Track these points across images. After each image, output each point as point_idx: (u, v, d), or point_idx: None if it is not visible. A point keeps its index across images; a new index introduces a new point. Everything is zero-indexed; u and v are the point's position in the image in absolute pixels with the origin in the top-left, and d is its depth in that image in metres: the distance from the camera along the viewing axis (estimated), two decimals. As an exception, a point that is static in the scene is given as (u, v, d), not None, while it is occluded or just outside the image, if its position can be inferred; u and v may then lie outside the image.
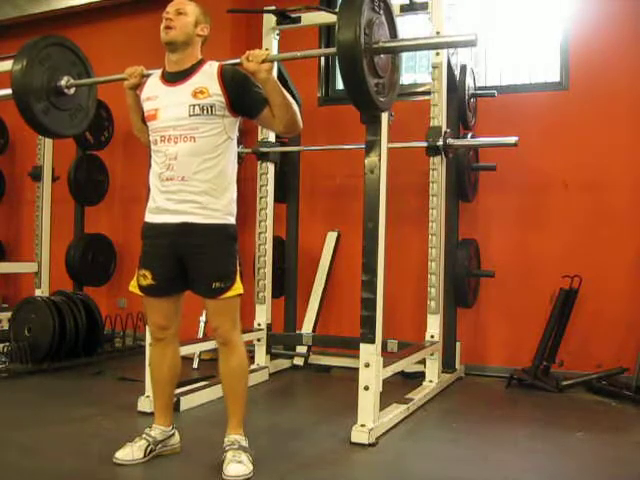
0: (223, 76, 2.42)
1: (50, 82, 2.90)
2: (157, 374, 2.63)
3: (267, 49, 4.22)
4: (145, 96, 2.55)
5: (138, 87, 2.61)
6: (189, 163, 2.41)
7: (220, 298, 2.44)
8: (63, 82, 2.94)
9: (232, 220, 2.51)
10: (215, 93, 2.40)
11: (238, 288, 2.47)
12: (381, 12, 2.46)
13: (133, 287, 2.58)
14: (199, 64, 2.49)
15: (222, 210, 2.46)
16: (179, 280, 2.51)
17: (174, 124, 2.43)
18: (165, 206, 2.45)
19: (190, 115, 2.40)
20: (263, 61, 2.36)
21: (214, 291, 2.43)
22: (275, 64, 4.19)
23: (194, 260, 2.45)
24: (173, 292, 2.55)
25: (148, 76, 2.60)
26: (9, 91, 2.89)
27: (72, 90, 2.98)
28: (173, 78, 2.49)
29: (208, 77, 2.43)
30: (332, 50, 2.21)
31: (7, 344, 4.18)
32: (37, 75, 2.86)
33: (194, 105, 2.40)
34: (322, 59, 5.11)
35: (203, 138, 2.41)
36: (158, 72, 2.58)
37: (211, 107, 2.40)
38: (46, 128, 2.96)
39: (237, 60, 2.46)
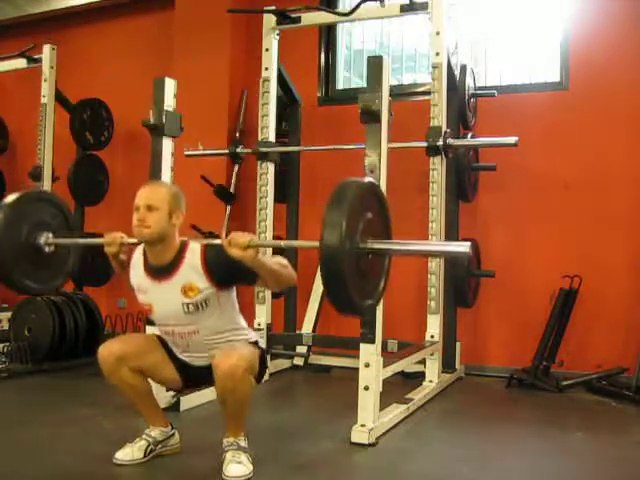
0: (208, 267, 2.34)
1: (29, 239, 2.70)
2: (127, 396, 2.53)
3: (267, 49, 4.24)
4: (135, 284, 2.50)
5: (119, 255, 2.52)
6: (202, 346, 2.45)
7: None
8: (42, 240, 2.74)
9: (257, 339, 2.57)
10: (205, 287, 2.35)
11: (254, 348, 2.48)
12: (373, 209, 2.21)
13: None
14: (180, 254, 2.39)
15: (244, 337, 2.51)
16: (187, 377, 2.55)
17: (173, 321, 2.43)
18: (188, 361, 2.52)
19: (186, 314, 2.38)
20: (247, 247, 2.17)
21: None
22: (275, 64, 4.25)
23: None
24: (176, 370, 2.53)
25: (130, 245, 2.51)
26: None
27: (52, 248, 2.78)
28: (157, 273, 2.41)
29: (193, 270, 2.35)
30: (316, 244, 1.99)
31: (7, 344, 4.18)
32: (15, 235, 2.66)
33: (187, 304, 2.37)
34: (322, 59, 5.12)
35: (207, 325, 2.42)
36: (141, 251, 2.48)
37: (205, 302, 2.37)
38: (28, 288, 2.78)
39: (218, 242, 2.31)
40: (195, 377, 2.56)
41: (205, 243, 2.42)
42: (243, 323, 2.56)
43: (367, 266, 2.16)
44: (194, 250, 2.38)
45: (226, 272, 2.33)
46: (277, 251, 4.53)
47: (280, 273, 2.32)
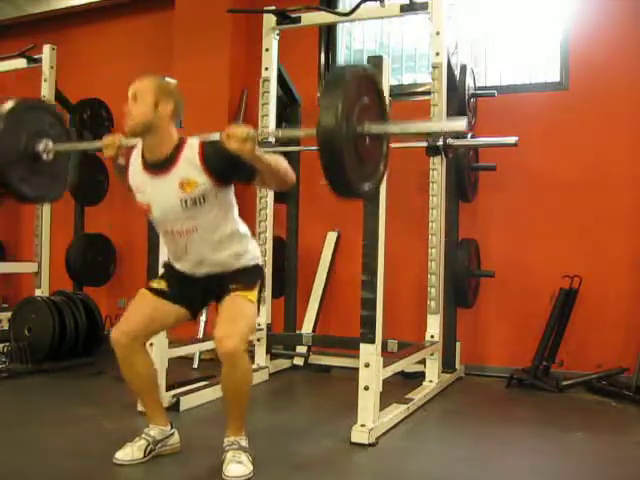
0: (206, 161, 2.33)
1: (27, 147, 2.69)
2: (135, 386, 2.57)
3: (267, 49, 4.24)
4: (133, 183, 2.50)
5: (117, 157, 2.51)
6: (201, 248, 2.43)
7: (234, 294, 2.41)
8: (41, 147, 2.72)
9: (258, 261, 2.55)
10: (203, 182, 2.34)
11: (252, 295, 2.44)
12: (369, 93, 2.22)
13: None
14: (178, 148, 2.37)
15: (245, 259, 2.50)
16: (189, 304, 2.54)
17: (171, 218, 2.41)
18: (187, 269, 2.51)
19: (184, 210, 2.37)
20: (245, 140, 2.17)
21: (229, 290, 2.43)
22: (275, 64, 4.25)
23: (217, 287, 2.46)
24: (178, 304, 2.53)
25: (128, 148, 2.51)
26: None
27: (51, 155, 2.76)
28: (155, 168, 2.40)
29: (191, 165, 2.34)
30: (312, 132, 2.05)
31: (7, 344, 4.18)
32: (13, 141, 2.65)
33: (185, 199, 2.35)
34: (322, 59, 5.11)
35: (205, 222, 2.40)
36: (139, 150, 2.47)
37: (203, 197, 2.35)
38: (25, 195, 2.75)
39: (217, 138, 2.28)
40: (196, 298, 2.54)
41: (203, 138, 2.40)
42: (245, 230, 2.53)
43: (365, 150, 2.18)
44: (192, 145, 2.37)
45: (224, 166, 2.32)
46: (279, 249, 4.55)
47: (278, 169, 2.31)
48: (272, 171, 2.30)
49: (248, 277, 2.49)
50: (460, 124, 2.26)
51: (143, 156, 2.45)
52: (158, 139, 2.38)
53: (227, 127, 2.20)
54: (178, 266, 2.55)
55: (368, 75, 2.25)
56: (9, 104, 2.67)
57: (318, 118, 1.99)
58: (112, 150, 2.47)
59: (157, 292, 2.53)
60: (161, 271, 2.69)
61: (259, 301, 2.51)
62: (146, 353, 2.55)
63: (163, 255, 2.80)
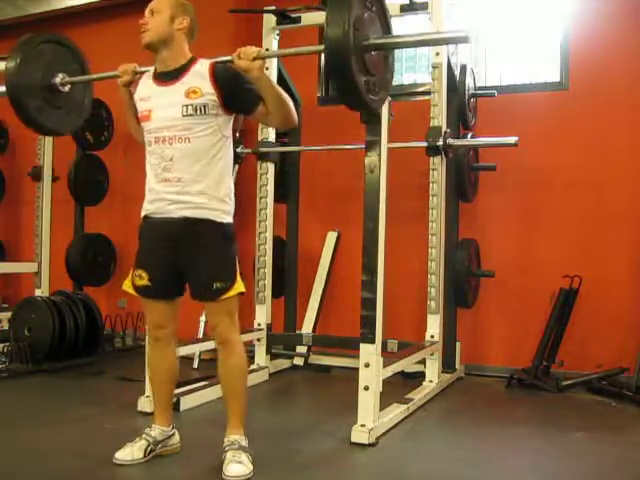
0: (215, 74, 2.41)
1: (45, 79, 2.87)
2: (156, 374, 2.63)
3: (267, 49, 4.24)
4: (138, 96, 2.54)
5: (131, 84, 2.59)
6: (185, 164, 2.41)
7: (221, 299, 2.42)
8: (58, 79, 2.90)
9: (229, 219, 2.50)
10: (208, 92, 2.39)
11: (239, 287, 2.46)
12: (373, 8, 2.34)
13: (127, 287, 2.60)
14: (190, 63, 2.48)
15: (220, 209, 2.46)
16: (175, 285, 2.53)
17: (168, 124, 2.42)
18: (162, 206, 2.45)
19: (183, 115, 2.39)
20: (254, 58, 2.35)
21: (215, 292, 2.42)
22: (275, 64, 4.25)
23: (193, 262, 2.44)
24: (168, 296, 2.54)
25: (141, 73, 2.58)
26: (3, 88, 2.84)
27: (67, 87, 2.94)
28: (164, 78, 2.47)
29: (200, 76, 2.42)
30: (320, 47, 2.11)
31: (7, 344, 4.18)
32: (31, 72, 2.83)
33: (187, 105, 2.39)
34: (322, 59, 5.11)
35: (198, 138, 2.40)
36: (151, 70, 2.56)
37: (204, 107, 2.39)
38: (41, 125, 2.93)
39: (228, 58, 2.45)
40: (175, 280, 2.50)
41: (215, 59, 2.50)
42: (230, 185, 2.51)
43: (372, 62, 2.25)
44: (203, 62, 2.47)
45: (232, 85, 2.40)
46: (279, 249, 4.55)
47: (284, 97, 2.39)
48: (277, 98, 2.38)
49: (226, 260, 2.45)
50: (462, 33, 2.29)
51: (155, 71, 2.52)
52: (172, 52, 2.47)
53: (239, 49, 2.37)
54: (153, 206, 2.47)
55: None
56: (25, 37, 2.81)
57: (325, 32, 2.08)
58: (128, 76, 2.57)
59: (146, 293, 2.54)
60: (138, 234, 2.61)
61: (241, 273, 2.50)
62: (175, 350, 2.63)
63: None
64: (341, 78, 2.14)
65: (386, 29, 2.43)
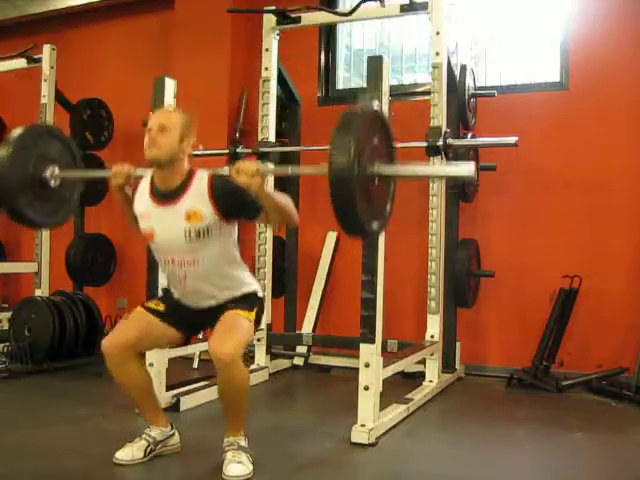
0: (214, 193, 2.36)
1: (35, 173, 2.69)
2: (129, 393, 2.55)
3: (267, 49, 4.24)
4: (138, 211, 2.51)
5: (125, 187, 2.52)
6: (199, 280, 2.45)
7: (232, 311, 2.42)
8: (48, 173, 2.72)
9: (257, 291, 2.56)
10: (208, 214, 2.36)
11: (250, 316, 2.45)
12: (379, 134, 2.28)
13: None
14: (188, 179, 2.41)
15: (242, 289, 2.52)
16: (184, 329, 2.57)
17: (174, 249, 2.42)
18: (184, 302, 2.54)
19: (187, 241, 2.38)
20: (254, 175, 2.22)
21: (228, 309, 2.44)
22: (275, 64, 4.25)
23: (214, 317, 2.45)
24: (173, 327, 2.55)
25: (136, 177, 2.52)
26: None
27: (57, 182, 2.76)
28: (163, 197, 2.42)
29: (199, 196, 2.37)
30: (324, 170, 2.08)
31: (7, 344, 4.18)
32: (21, 167, 2.65)
33: (189, 230, 2.37)
34: (322, 59, 5.12)
35: (206, 257, 2.41)
36: (147, 179, 2.50)
37: (207, 230, 2.38)
38: (29, 221, 2.74)
39: (226, 171, 2.37)
40: (192, 324, 2.57)
41: (213, 172, 2.44)
42: (245, 269, 2.56)
43: (374, 190, 2.22)
44: (202, 177, 2.41)
45: (231, 201, 2.36)
46: (279, 249, 4.55)
47: (283, 207, 2.36)
48: (277, 208, 2.34)
49: (246, 302, 2.50)
50: (468, 169, 2.27)
51: (152, 185, 2.46)
52: (174, 171, 2.41)
53: (237, 163, 2.25)
54: (177, 295, 2.56)
55: (378, 116, 2.28)
56: (19, 130, 2.67)
57: (330, 158, 2.02)
58: (121, 179, 2.49)
59: (154, 311, 2.55)
60: (160, 294, 2.70)
61: (256, 324, 2.51)
62: (138, 361, 2.50)
63: (162, 276, 2.81)
64: (343, 206, 2.10)
65: (391, 157, 2.35)
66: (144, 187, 2.50)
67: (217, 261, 2.44)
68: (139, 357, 2.51)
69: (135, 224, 2.57)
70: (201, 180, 2.40)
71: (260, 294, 2.58)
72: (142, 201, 2.49)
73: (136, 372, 2.49)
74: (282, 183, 4.59)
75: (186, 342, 2.68)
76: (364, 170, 2.11)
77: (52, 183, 2.72)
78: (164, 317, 2.53)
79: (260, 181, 2.22)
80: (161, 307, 2.55)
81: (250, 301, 2.51)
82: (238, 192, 2.27)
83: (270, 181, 4.30)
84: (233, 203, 2.36)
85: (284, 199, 2.37)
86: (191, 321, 2.57)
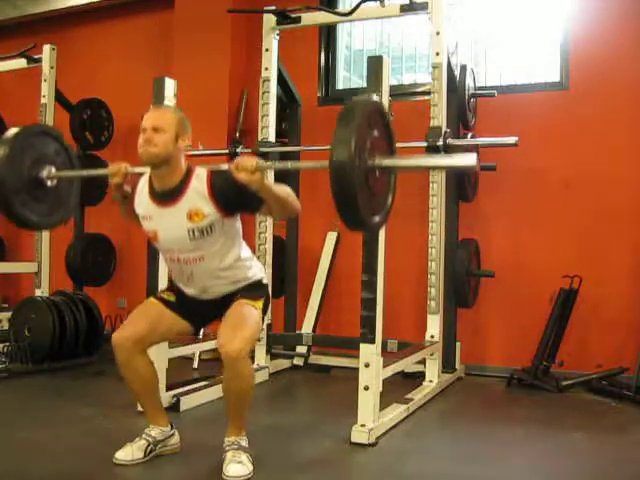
0: (214, 192, 2.37)
1: (31, 173, 2.67)
2: (135, 388, 2.57)
3: (267, 49, 4.24)
4: (140, 212, 2.51)
5: (123, 185, 2.51)
6: (206, 275, 2.48)
7: (240, 301, 2.45)
8: (44, 173, 2.70)
9: (262, 279, 2.59)
10: (210, 212, 2.37)
11: (258, 305, 2.47)
12: (379, 127, 2.28)
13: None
14: (186, 178, 2.41)
15: (248, 276, 2.54)
16: (194, 320, 2.59)
17: (178, 248, 2.44)
18: (192, 294, 2.55)
19: (191, 240, 2.40)
20: (253, 171, 2.20)
21: (236, 299, 2.47)
22: (275, 64, 4.25)
23: (223, 306, 2.48)
24: (184, 318, 2.57)
25: (134, 174, 2.51)
26: None
27: (54, 182, 2.74)
28: (163, 198, 2.42)
29: (199, 195, 2.37)
30: (325, 164, 2.10)
31: (7, 344, 4.18)
32: (17, 167, 2.63)
33: (192, 229, 2.38)
34: (322, 59, 5.12)
35: (211, 252, 2.43)
36: (146, 178, 2.50)
37: (210, 227, 2.39)
38: (25, 222, 2.72)
39: (225, 168, 2.33)
40: (202, 316, 2.59)
41: (211, 169, 2.43)
42: (248, 254, 2.58)
43: (375, 183, 2.22)
44: (200, 175, 2.40)
45: (232, 197, 2.35)
46: (279, 249, 4.55)
47: (285, 200, 2.35)
48: (279, 202, 2.33)
49: (254, 291, 2.53)
50: (470, 159, 2.27)
51: (151, 185, 2.46)
52: (171, 170, 2.40)
53: (236, 159, 2.24)
54: (183, 289, 2.58)
55: (378, 108, 2.28)
56: (14, 130, 2.66)
57: (331, 151, 2.02)
58: (119, 177, 2.47)
59: (165, 302, 2.57)
60: (168, 284, 2.69)
61: (264, 312, 2.53)
62: (147, 357, 2.53)
63: (164, 273, 2.83)
64: (344, 199, 2.10)
65: (391, 148, 2.37)
66: (143, 187, 2.50)
67: (223, 255, 2.45)
68: (146, 352, 2.53)
69: (133, 220, 2.59)
70: (200, 178, 2.40)
71: (265, 281, 2.61)
72: (142, 202, 2.49)
73: (144, 367, 2.51)
74: (284, 179, 4.59)
75: (196, 333, 2.69)
76: (365, 162, 2.12)
77: (49, 183, 2.71)
78: (175, 308, 2.55)
79: (260, 177, 2.21)
80: (172, 298, 2.58)
81: (256, 289, 2.53)
82: (238, 188, 2.25)
83: (270, 178, 4.31)
84: (234, 199, 2.36)
85: (285, 191, 2.36)
86: (200, 312, 2.58)
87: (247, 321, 2.39)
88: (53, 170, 2.72)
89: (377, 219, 2.29)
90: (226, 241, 2.45)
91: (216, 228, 2.40)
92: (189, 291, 2.56)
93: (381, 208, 2.32)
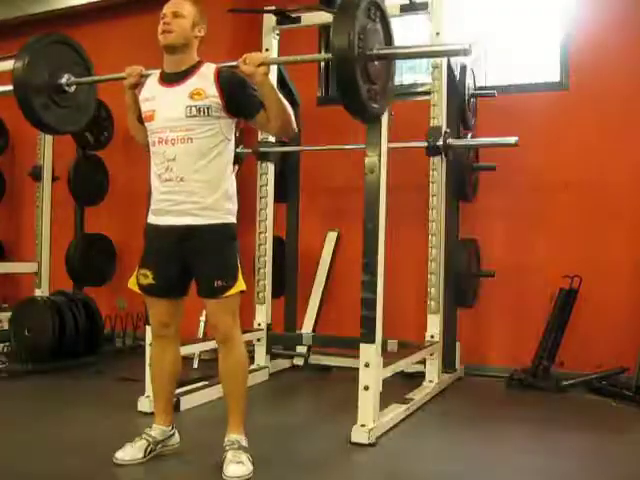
0: (219, 78, 2.43)
1: (51, 79, 2.94)
2: (158, 373, 2.63)
3: (267, 49, 4.25)
4: (143, 97, 2.57)
5: (137, 86, 2.62)
6: (187, 164, 2.43)
7: (222, 297, 2.44)
8: (64, 80, 2.97)
9: (232, 219, 2.53)
10: (211, 95, 2.41)
11: (240, 285, 2.48)
12: (376, 19, 2.44)
13: (132, 284, 2.62)
14: (196, 66, 2.50)
15: (222, 209, 2.48)
16: (179, 283, 2.55)
17: (171, 125, 2.44)
18: (166, 207, 2.48)
19: (187, 116, 2.42)
20: (260, 64, 2.38)
21: (216, 290, 2.44)
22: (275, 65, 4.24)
23: (196, 262, 2.47)
24: (172, 294, 2.56)
25: (147, 76, 2.61)
26: (10, 87, 2.92)
27: (72, 88, 3.01)
28: (170, 79, 2.50)
29: (205, 79, 2.44)
30: (328, 55, 2.24)
31: (7, 344, 4.18)
32: (38, 71, 2.90)
33: (191, 106, 2.41)
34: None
35: (200, 139, 2.42)
36: (157, 73, 2.59)
37: (207, 108, 2.42)
38: (45, 123, 2.99)
39: (234, 63, 2.47)
40: (180, 280, 2.54)
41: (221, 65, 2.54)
42: (231, 183, 2.54)
43: (375, 71, 2.40)
44: (209, 66, 2.50)
45: (235, 89, 2.43)
46: (279, 249, 4.54)
47: (285, 106, 2.44)
48: (279, 106, 2.42)
49: (228, 260, 2.48)
50: (462, 46, 2.38)
51: (162, 74, 2.55)
52: (186, 56, 2.50)
53: (245, 54, 2.41)
54: (156, 216, 2.52)
55: (375, 1, 2.44)
56: (35, 37, 2.91)
57: (332, 42, 2.21)
58: (134, 78, 2.61)
59: (150, 291, 2.56)
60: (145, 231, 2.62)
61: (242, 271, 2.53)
62: (178, 348, 2.64)
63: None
64: (346, 85, 2.26)
65: (388, 39, 2.54)
66: (152, 78, 2.59)
67: (208, 148, 2.43)
68: (179, 343, 2.65)
69: (137, 128, 2.67)
70: (209, 67, 2.49)
71: (234, 225, 2.54)
72: (149, 87, 2.56)
73: (173, 357, 2.62)
74: (284, 179, 4.59)
75: (184, 294, 2.62)
76: (363, 50, 2.29)
77: (68, 89, 2.99)
78: (157, 290, 2.53)
79: (265, 70, 2.38)
80: (150, 277, 2.52)
81: (231, 255, 2.48)
82: (243, 82, 2.43)
83: (270, 178, 4.30)
84: (236, 92, 2.43)
85: (285, 101, 2.45)
86: (174, 274, 2.51)
87: (231, 308, 2.49)
88: (72, 77, 2.99)
89: (378, 105, 2.47)
90: (216, 142, 2.44)
91: (212, 114, 2.42)
92: (164, 200, 2.47)
93: (382, 94, 2.50)
